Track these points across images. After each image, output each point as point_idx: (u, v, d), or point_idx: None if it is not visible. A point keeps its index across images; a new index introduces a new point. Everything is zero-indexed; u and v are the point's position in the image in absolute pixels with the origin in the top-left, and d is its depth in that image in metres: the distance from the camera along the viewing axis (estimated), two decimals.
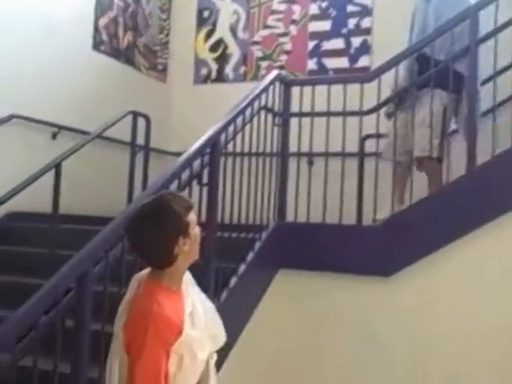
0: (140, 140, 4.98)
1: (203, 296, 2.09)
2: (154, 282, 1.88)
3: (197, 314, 1.93)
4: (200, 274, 2.89)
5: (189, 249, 1.88)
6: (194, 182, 3.14)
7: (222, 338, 2.06)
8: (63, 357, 2.35)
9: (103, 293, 2.54)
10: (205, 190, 3.19)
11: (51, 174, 3.81)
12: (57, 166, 3.74)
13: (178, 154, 3.12)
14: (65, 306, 2.50)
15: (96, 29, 5.51)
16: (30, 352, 2.37)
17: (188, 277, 2.02)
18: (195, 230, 1.92)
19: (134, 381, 1.75)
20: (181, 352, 1.82)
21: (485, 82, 4.00)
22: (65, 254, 3.21)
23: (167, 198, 1.90)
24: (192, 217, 1.90)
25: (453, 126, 4.21)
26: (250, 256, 3.62)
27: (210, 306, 2.07)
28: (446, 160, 3.96)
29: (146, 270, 1.97)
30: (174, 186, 2.97)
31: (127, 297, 1.94)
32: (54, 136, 4.91)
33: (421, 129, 3.91)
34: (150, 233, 1.82)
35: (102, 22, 5.58)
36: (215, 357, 2.05)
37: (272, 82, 3.97)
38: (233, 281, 3.40)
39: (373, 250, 3.84)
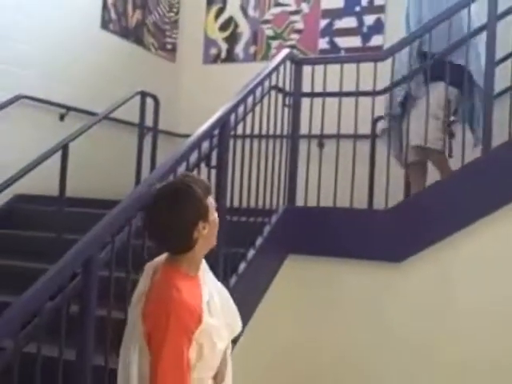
0: (149, 121, 4.90)
1: (219, 284, 2.04)
2: (171, 268, 1.83)
3: (213, 303, 1.88)
4: (209, 258, 2.87)
5: (208, 234, 1.83)
6: (203, 165, 3.08)
7: (238, 327, 2.02)
8: (68, 343, 2.30)
9: (109, 278, 2.49)
10: (213, 172, 3.12)
11: (58, 155, 3.75)
12: (64, 148, 3.68)
13: (187, 136, 3.04)
14: (70, 291, 2.45)
15: (104, 6, 5.41)
16: (35, 338, 2.33)
17: (204, 265, 1.96)
18: (214, 215, 1.87)
19: (158, 370, 1.69)
20: (201, 341, 1.77)
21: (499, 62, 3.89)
22: (71, 238, 3.18)
23: (187, 180, 1.83)
24: (211, 201, 1.86)
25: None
26: (259, 241, 3.55)
27: (226, 295, 2.02)
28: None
29: (161, 257, 1.91)
30: (182, 169, 2.90)
31: (142, 285, 1.88)
32: (62, 117, 4.85)
33: (432, 121, 3.82)
34: (171, 216, 1.76)
35: None
36: (231, 346, 2.00)
37: (283, 61, 3.87)
38: (242, 266, 3.34)
39: (384, 235, 3.77)
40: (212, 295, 1.90)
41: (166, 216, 1.77)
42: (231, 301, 2.04)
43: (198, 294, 1.82)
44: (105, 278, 2.46)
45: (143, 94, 4.79)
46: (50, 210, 3.75)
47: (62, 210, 3.62)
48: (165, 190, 1.82)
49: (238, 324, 2.02)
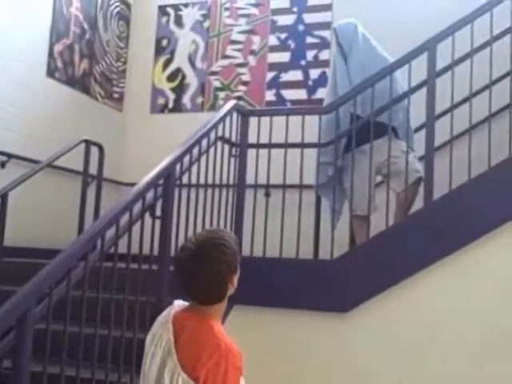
0: (93, 170, 4.84)
1: None
2: (205, 317, 1.86)
3: None
4: (153, 311, 2.80)
5: (235, 284, 1.91)
6: (147, 215, 3.04)
7: None
8: None
9: (46, 332, 2.40)
10: (157, 222, 3.08)
11: None
12: (3, 197, 3.58)
13: (133, 185, 3.01)
14: (3, 347, 2.35)
15: (51, 55, 5.38)
16: None
17: None
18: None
19: None
20: None
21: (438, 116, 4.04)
22: (7, 289, 3.07)
23: (225, 234, 1.92)
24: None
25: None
26: None
27: None
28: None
29: (173, 311, 1.92)
30: (125, 219, 2.86)
31: (165, 339, 1.85)
32: (3, 164, 4.74)
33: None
34: (217, 269, 1.84)
35: (58, 48, 5.45)
36: None
37: (229, 112, 3.91)
38: None
39: (329, 285, 3.78)
40: None
41: (210, 271, 1.84)
42: None
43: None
44: (40, 331, 2.37)
45: (87, 142, 4.74)
46: None
47: None
48: (205, 244, 1.87)
49: None
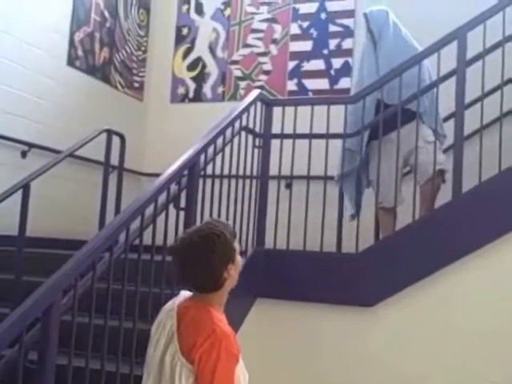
0: (114, 160, 4.79)
1: None
2: (203, 305, 1.96)
3: None
4: None
5: (234, 274, 1.99)
6: (171, 206, 2.99)
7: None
8: None
9: (71, 324, 2.36)
10: (182, 214, 3.04)
11: (19, 193, 3.60)
12: (25, 187, 3.54)
13: (153, 175, 2.97)
14: (29, 338, 2.31)
15: (71, 44, 5.34)
16: None
17: None
18: (238, 257, 2.03)
19: None
20: (237, 373, 1.88)
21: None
22: (31, 280, 3.04)
23: (218, 225, 2.00)
24: (236, 244, 2.03)
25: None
26: None
27: None
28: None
29: (179, 299, 2.03)
30: (150, 210, 2.82)
31: (168, 326, 1.95)
32: (24, 154, 4.71)
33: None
34: (205, 260, 1.92)
35: (78, 36, 5.41)
36: None
37: (253, 102, 3.84)
38: None
39: (354, 279, 3.72)
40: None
41: (201, 260, 1.93)
42: None
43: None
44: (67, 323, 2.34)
45: (109, 132, 4.69)
46: (10, 250, 3.58)
47: (21, 251, 3.47)
48: (198, 236, 1.96)
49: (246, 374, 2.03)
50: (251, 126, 3.86)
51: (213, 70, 6.23)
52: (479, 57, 3.76)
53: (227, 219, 3.49)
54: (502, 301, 3.51)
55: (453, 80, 3.77)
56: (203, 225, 2.03)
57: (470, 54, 3.76)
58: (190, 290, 2.04)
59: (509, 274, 3.51)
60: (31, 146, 4.73)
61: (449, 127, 3.95)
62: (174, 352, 1.89)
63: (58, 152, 4.58)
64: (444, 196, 3.83)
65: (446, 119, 4.20)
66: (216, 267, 1.93)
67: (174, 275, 2.04)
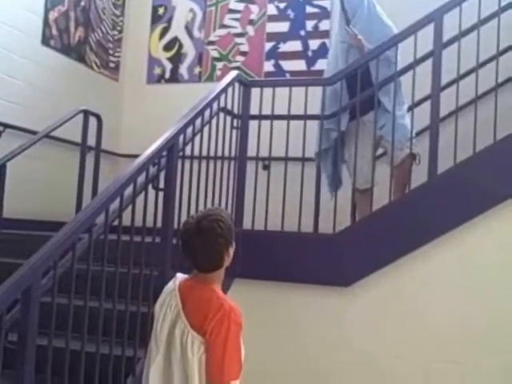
0: (90, 141, 4.76)
1: None
2: (207, 283, 2.16)
3: None
4: (156, 283, 2.77)
5: (231, 254, 2.20)
6: (150, 187, 2.98)
7: None
8: (3, 374, 2.17)
9: (51, 305, 2.36)
10: (161, 194, 3.03)
11: None
12: (0, 168, 3.51)
13: (130, 156, 2.95)
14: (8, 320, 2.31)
15: (46, 23, 5.26)
16: None
17: None
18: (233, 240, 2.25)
19: (224, 361, 2.03)
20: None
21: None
22: (8, 261, 3.02)
23: (221, 212, 2.23)
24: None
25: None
26: None
27: None
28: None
29: (180, 280, 2.21)
30: (129, 191, 2.81)
31: (173, 305, 2.13)
32: None
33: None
34: (215, 242, 2.13)
35: (53, 15, 5.33)
36: None
37: (231, 83, 3.83)
38: None
39: (331, 259, 3.76)
40: None
41: (210, 244, 2.14)
42: None
43: None
44: (46, 304, 2.33)
45: (86, 113, 4.65)
46: None
47: None
48: (207, 220, 2.15)
49: None
50: (229, 107, 3.86)
51: (189, 50, 6.19)
52: (455, 39, 3.80)
53: (205, 200, 3.51)
54: (475, 280, 3.58)
55: (428, 63, 3.80)
56: (207, 211, 2.22)
57: (446, 37, 3.79)
58: (185, 273, 2.24)
59: (482, 252, 3.58)
60: (6, 126, 4.66)
61: (424, 110, 3.99)
62: (183, 327, 2.09)
63: (33, 133, 4.54)
64: (420, 178, 3.88)
65: (421, 101, 4.24)
66: (222, 249, 2.15)
67: (183, 257, 2.22)
